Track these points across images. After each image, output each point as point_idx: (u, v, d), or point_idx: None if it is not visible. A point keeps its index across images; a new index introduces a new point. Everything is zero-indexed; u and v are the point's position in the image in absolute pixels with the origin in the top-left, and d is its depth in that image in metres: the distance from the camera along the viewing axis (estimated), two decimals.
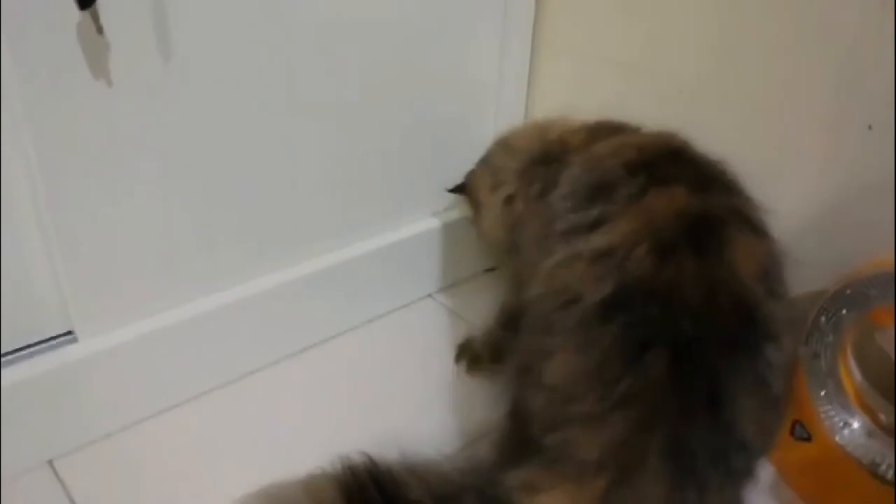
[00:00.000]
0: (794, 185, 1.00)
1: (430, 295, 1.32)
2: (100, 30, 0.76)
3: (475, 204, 1.14)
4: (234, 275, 1.07)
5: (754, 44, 1.02)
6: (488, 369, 1.13)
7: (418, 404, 1.07)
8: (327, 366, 1.14)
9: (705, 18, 1.07)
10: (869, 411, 0.89)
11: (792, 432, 0.92)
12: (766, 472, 0.93)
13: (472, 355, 1.14)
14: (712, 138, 0.84)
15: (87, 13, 0.74)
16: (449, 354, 1.16)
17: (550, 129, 1.04)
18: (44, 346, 0.94)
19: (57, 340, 0.95)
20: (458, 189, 1.19)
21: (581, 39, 1.24)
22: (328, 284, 1.16)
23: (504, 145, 1.11)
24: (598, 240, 0.75)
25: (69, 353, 0.94)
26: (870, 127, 0.93)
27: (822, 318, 0.88)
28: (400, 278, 1.27)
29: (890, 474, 0.84)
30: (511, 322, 1.03)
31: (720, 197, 0.78)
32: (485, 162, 1.13)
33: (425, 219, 1.28)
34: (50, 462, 0.94)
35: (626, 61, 1.18)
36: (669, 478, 0.64)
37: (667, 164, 0.82)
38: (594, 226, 0.77)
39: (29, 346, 0.93)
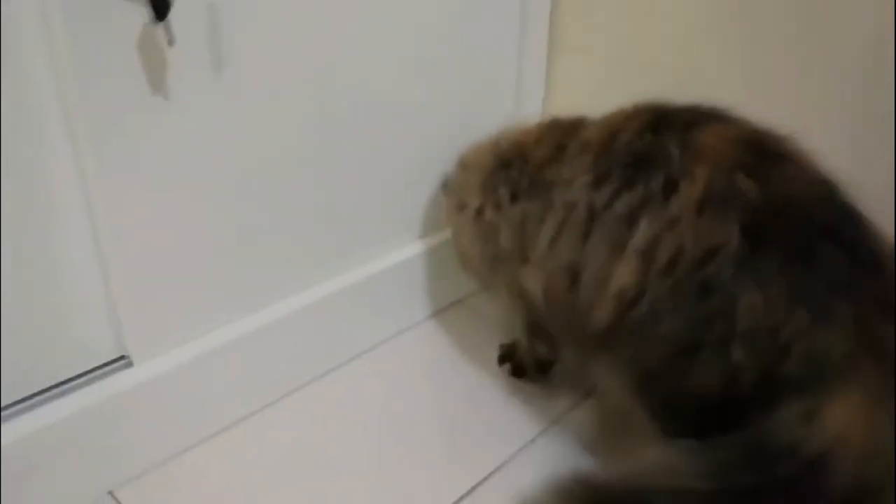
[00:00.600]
0: None
1: (459, 300, 1.32)
2: (171, 41, 0.75)
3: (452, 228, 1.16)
4: (282, 289, 1.06)
5: (771, 47, 1.05)
6: (532, 381, 1.13)
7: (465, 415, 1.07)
8: (372, 378, 1.14)
9: (720, 17, 1.09)
10: None
11: None
12: None
13: (516, 363, 1.14)
14: None
15: (158, 25, 0.73)
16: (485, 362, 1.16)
17: (501, 139, 1.07)
18: (97, 372, 0.91)
19: (111, 366, 0.92)
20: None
21: (597, 38, 1.26)
22: (367, 296, 1.15)
23: (461, 166, 1.13)
24: (687, 196, 0.78)
25: (125, 378, 0.91)
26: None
27: None
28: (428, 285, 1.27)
29: None
30: (533, 330, 1.07)
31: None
32: (446, 187, 1.16)
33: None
34: (111, 493, 0.91)
35: (641, 59, 1.20)
36: None
37: (675, 114, 0.85)
38: (669, 188, 0.79)
39: (82, 375, 0.90)
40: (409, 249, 1.21)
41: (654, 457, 0.77)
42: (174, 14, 0.75)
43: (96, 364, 0.91)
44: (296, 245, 1.04)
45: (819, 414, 0.67)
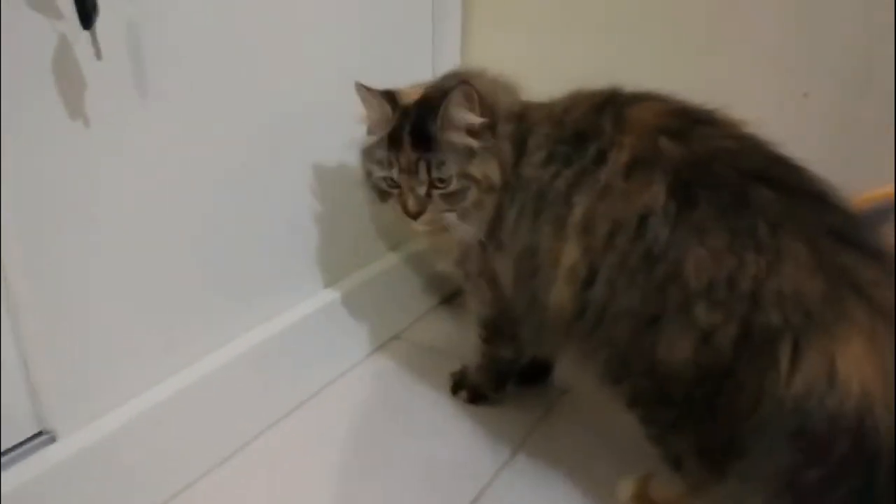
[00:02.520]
0: None
1: (396, 336, 1.26)
2: (98, 54, 0.67)
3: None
4: (210, 342, 0.97)
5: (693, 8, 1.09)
6: (493, 398, 1.09)
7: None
8: (320, 424, 1.05)
9: None
10: None
11: None
12: None
13: (471, 386, 1.10)
14: None
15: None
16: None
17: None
18: (17, 451, 0.78)
19: (31, 443, 0.79)
20: None
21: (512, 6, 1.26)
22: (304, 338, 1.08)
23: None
24: (615, 162, 0.80)
25: (50, 455, 0.78)
26: (805, 94, 1.03)
27: None
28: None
29: None
30: (498, 331, 1.02)
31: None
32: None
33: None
34: None
35: (556, 25, 1.22)
36: None
37: (621, 95, 0.86)
38: (599, 160, 0.81)
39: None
40: (340, 288, 1.15)
41: None
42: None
43: (14, 442, 0.78)
44: (222, 293, 0.97)
45: (836, 369, 0.67)
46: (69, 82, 0.72)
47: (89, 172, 0.77)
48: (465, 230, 0.92)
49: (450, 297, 1.38)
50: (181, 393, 0.91)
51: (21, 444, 0.79)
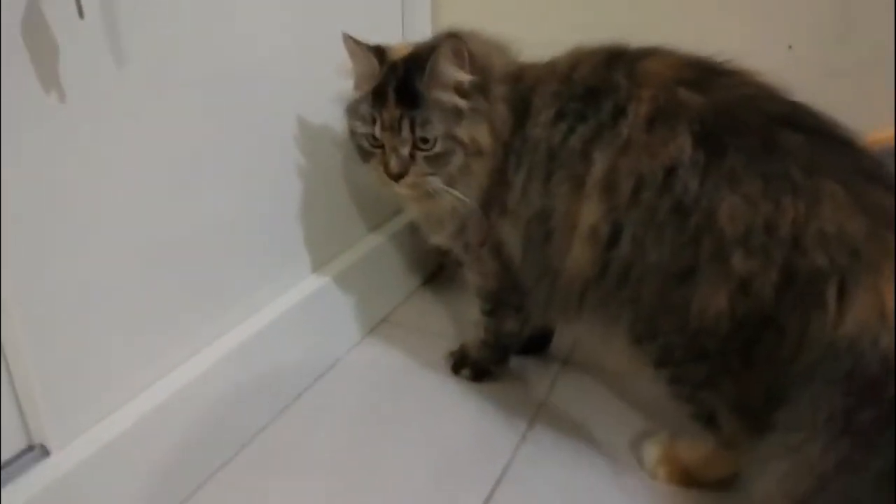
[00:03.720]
0: None
1: (385, 319, 1.21)
2: (81, 12, 0.60)
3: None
4: (199, 339, 0.90)
5: None
6: (496, 373, 1.06)
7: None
8: (321, 416, 1.00)
9: None
10: None
11: None
12: None
13: (473, 363, 1.06)
14: None
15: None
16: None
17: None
18: (8, 469, 0.70)
19: (22, 459, 0.71)
20: None
21: None
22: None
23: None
24: (635, 116, 0.77)
25: (44, 471, 0.70)
26: (790, 47, 1.03)
27: None
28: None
29: None
30: (502, 303, 0.99)
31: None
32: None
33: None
34: None
35: None
36: None
37: (628, 51, 0.84)
38: (617, 114, 0.78)
39: None
40: (326, 273, 1.09)
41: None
42: None
43: (6, 458, 0.70)
44: (210, 285, 0.90)
45: (885, 307, 0.66)
46: (41, 48, 0.64)
47: (68, 154, 0.69)
48: (454, 197, 0.88)
49: (432, 277, 1.34)
50: (175, 395, 0.83)
51: (13, 459, 0.70)
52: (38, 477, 0.70)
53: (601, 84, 0.81)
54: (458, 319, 1.21)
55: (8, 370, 0.69)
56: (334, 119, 1.03)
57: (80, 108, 0.68)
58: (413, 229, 1.25)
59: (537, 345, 1.11)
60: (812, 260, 0.68)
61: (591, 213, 0.80)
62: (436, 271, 1.35)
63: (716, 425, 0.81)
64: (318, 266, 1.09)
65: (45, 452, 0.72)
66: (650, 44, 0.83)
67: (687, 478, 0.86)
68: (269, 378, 0.97)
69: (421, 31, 1.17)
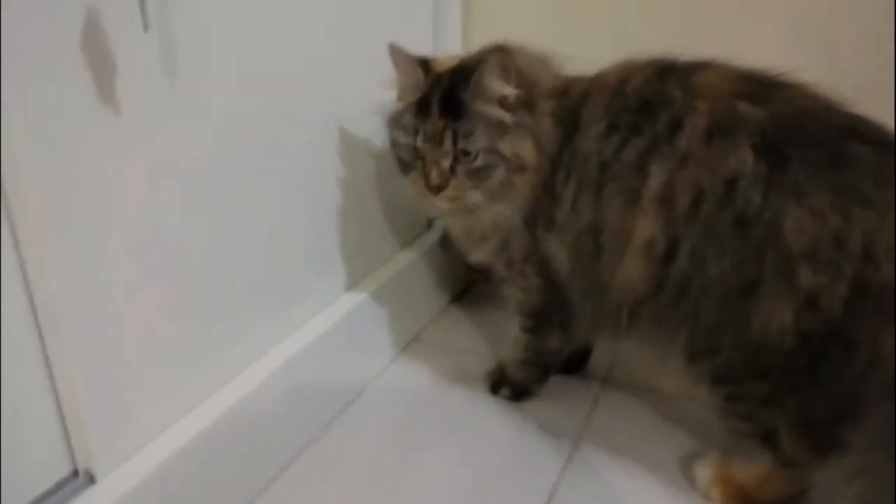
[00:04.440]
0: None
1: (415, 338, 1.19)
2: (146, 25, 0.58)
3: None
4: (245, 357, 0.88)
5: None
6: (536, 392, 1.03)
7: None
8: (361, 437, 0.97)
9: None
10: None
11: None
12: None
13: (512, 382, 1.04)
14: None
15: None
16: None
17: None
18: (52, 499, 0.67)
19: (67, 487, 0.68)
20: None
21: None
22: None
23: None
24: (693, 129, 0.76)
25: (90, 499, 0.68)
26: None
27: None
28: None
29: None
30: (546, 320, 0.96)
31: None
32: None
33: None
34: None
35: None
36: None
37: (679, 64, 0.82)
38: (674, 127, 0.77)
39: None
40: (361, 291, 1.07)
41: None
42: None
43: (47, 486, 0.67)
44: (252, 303, 0.88)
45: None
46: (99, 62, 0.62)
47: (121, 169, 0.67)
48: (496, 212, 0.86)
49: (461, 295, 1.32)
50: (220, 418, 0.81)
51: (57, 487, 0.68)
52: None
53: (655, 97, 0.80)
54: (490, 338, 1.19)
55: (54, 388, 0.66)
56: (370, 133, 1.02)
57: (133, 122, 0.67)
58: (444, 245, 1.24)
59: (575, 364, 1.09)
60: (886, 273, 0.67)
61: (646, 226, 0.78)
62: (464, 289, 1.33)
63: (775, 444, 0.79)
64: (352, 284, 1.07)
65: (90, 479, 0.69)
66: (698, 57, 0.82)
67: (742, 499, 0.83)
68: (309, 397, 0.95)
69: (452, 48, 1.16)
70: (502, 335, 1.14)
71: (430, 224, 1.27)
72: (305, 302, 0.97)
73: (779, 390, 0.76)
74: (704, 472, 0.86)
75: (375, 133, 1.02)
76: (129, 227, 0.69)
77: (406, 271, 1.16)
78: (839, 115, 0.75)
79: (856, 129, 0.73)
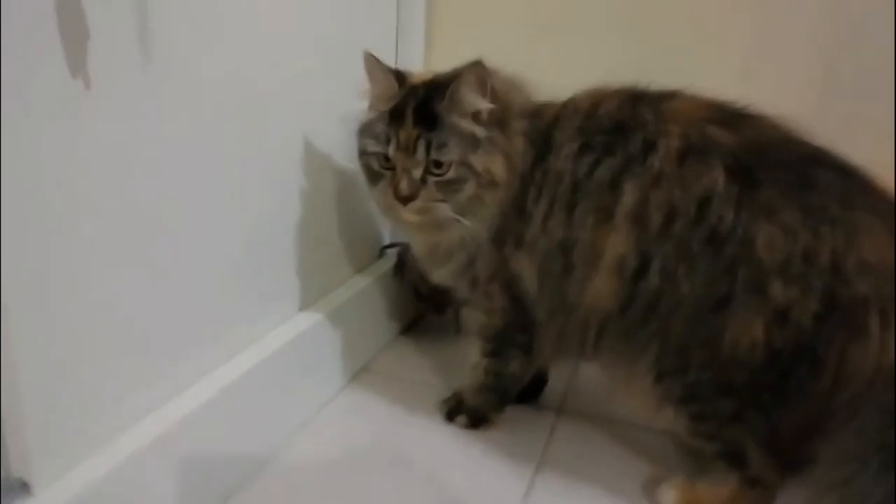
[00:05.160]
0: None
1: (365, 367, 1.15)
2: None
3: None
4: (195, 369, 0.82)
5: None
6: (493, 419, 1.01)
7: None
8: (312, 464, 0.91)
9: None
10: None
11: None
12: None
13: (470, 409, 1.01)
14: None
15: None
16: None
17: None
18: None
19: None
20: None
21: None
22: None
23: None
24: (666, 150, 0.78)
25: None
26: None
27: None
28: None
29: None
30: (508, 343, 0.95)
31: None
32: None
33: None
34: None
35: (519, 19, 1.20)
36: None
37: (651, 92, 0.85)
38: (647, 148, 0.79)
39: None
40: (312, 315, 1.02)
41: None
42: None
43: None
44: (208, 313, 0.83)
45: None
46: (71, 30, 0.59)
47: (86, 153, 0.63)
48: (464, 227, 0.85)
49: (409, 327, 1.29)
50: (164, 433, 0.74)
51: None
52: None
53: (628, 119, 0.82)
54: (441, 370, 1.16)
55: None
56: (332, 148, 1.00)
57: (103, 99, 0.63)
58: (398, 273, 1.22)
59: (531, 393, 1.07)
60: (855, 288, 0.69)
61: (618, 244, 0.79)
62: (413, 321, 1.30)
63: (742, 463, 0.79)
64: (305, 305, 1.02)
65: (26, 490, 0.62)
66: (670, 87, 0.85)
67: None
68: (258, 417, 0.89)
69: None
70: (454, 367, 1.14)
71: (381, 253, 1.25)
72: (257, 320, 0.92)
73: (747, 407, 0.76)
74: (670, 495, 0.85)
75: (337, 147, 1.01)
76: (91, 211, 0.64)
77: (357, 298, 1.12)
78: (805, 144, 0.78)
79: (821, 157, 0.77)
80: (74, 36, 0.59)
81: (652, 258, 0.78)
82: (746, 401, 0.76)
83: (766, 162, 0.76)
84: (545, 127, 0.87)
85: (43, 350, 0.61)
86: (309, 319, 1.00)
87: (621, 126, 0.82)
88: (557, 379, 1.09)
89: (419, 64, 1.21)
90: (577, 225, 0.82)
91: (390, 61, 1.15)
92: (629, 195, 0.79)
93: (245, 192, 0.86)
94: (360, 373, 1.13)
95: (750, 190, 0.74)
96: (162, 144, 0.71)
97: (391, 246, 1.25)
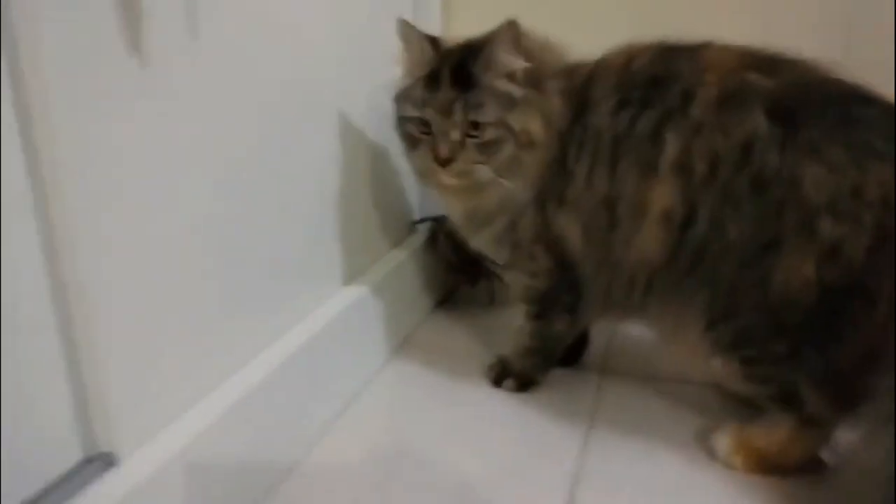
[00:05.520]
0: None
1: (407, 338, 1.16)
2: None
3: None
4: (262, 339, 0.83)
5: None
6: (541, 381, 1.02)
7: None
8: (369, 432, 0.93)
9: None
10: None
11: None
12: None
13: (517, 373, 1.02)
14: None
15: None
16: None
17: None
18: (67, 485, 0.60)
19: (85, 471, 0.62)
20: None
21: None
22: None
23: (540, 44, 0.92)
24: (705, 98, 0.78)
25: (111, 483, 0.61)
26: None
27: None
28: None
29: None
30: (553, 303, 0.96)
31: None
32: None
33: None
34: None
35: None
36: None
37: (683, 44, 0.85)
38: (686, 98, 0.79)
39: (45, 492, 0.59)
40: (358, 287, 1.03)
41: None
42: None
43: (62, 471, 0.60)
44: (270, 280, 0.84)
45: None
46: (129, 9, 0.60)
47: (148, 130, 0.64)
48: (506, 188, 0.86)
49: (443, 301, 1.31)
50: (240, 400, 0.76)
51: (72, 472, 0.61)
52: (106, 489, 0.61)
53: (664, 72, 0.83)
54: (481, 339, 1.17)
55: (76, 363, 0.60)
56: (364, 122, 1.01)
57: (158, 77, 0.64)
58: (431, 246, 1.23)
59: (573, 355, 1.09)
60: None
61: (664, 195, 0.80)
62: (447, 295, 1.31)
63: (798, 403, 0.80)
64: (348, 280, 1.03)
65: (110, 462, 0.63)
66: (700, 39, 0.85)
67: (766, 464, 0.83)
68: (324, 380, 0.91)
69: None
70: (493, 336, 1.16)
71: (412, 228, 1.26)
72: (307, 295, 0.94)
73: (800, 346, 0.77)
74: (724, 441, 0.86)
75: (367, 121, 1.01)
76: (158, 191, 0.65)
77: (396, 271, 1.14)
78: (843, 83, 0.79)
79: (860, 94, 0.77)
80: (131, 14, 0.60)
81: (698, 207, 0.79)
82: (799, 340, 0.77)
83: (806, 102, 0.76)
84: (580, 85, 0.88)
85: (124, 328, 0.63)
86: (353, 294, 1.01)
87: (657, 79, 0.83)
88: (597, 339, 1.11)
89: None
90: (621, 180, 0.83)
91: None
92: (671, 146, 0.80)
93: (290, 173, 0.87)
94: (402, 346, 1.14)
95: (793, 131, 0.75)
96: (211, 126, 0.72)
97: (422, 221, 1.26)
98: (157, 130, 0.65)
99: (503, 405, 0.99)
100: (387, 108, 0.92)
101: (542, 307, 0.97)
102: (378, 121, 1.02)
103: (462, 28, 1.09)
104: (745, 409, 0.90)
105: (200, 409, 0.73)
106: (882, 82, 0.78)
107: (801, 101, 0.77)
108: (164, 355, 0.68)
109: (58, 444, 0.60)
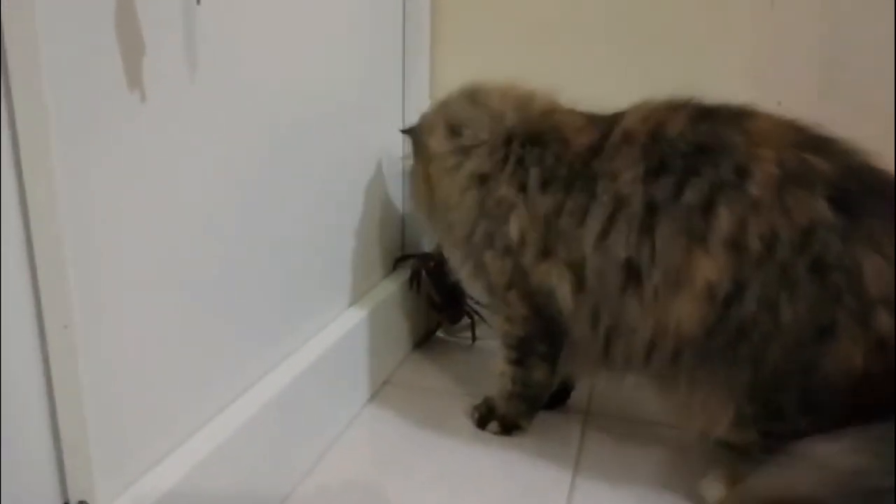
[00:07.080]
0: None
1: (386, 381, 1.14)
2: None
3: (423, 157, 0.99)
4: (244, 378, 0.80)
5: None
6: (525, 426, 1.01)
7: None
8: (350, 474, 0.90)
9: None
10: None
11: None
12: None
13: (501, 416, 1.01)
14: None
15: None
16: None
17: (533, 99, 0.95)
18: None
19: None
20: (409, 132, 1.05)
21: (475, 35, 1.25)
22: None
23: (471, 99, 0.97)
24: (763, 176, 0.77)
25: None
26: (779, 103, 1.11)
27: None
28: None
29: None
30: (531, 352, 0.95)
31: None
32: (445, 108, 0.99)
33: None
34: None
35: (521, 50, 1.22)
36: None
37: (714, 107, 0.85)
38: (741, 173, 0.78)
39: None
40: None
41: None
42: None
43: None
44: (258, 315, 0.82)
45: None
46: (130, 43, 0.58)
47: (142, 162, 0.62)
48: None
49: (422, 340, 1.29)
50: (223, 444, 0.73)
51: None
52: None
53: (710, 141, 0.81)
54: (464, 379, 1.16)
55: (53, 412, 0.57)
56: (360, 151, 1.01)
57: (158, 111, 0.62)
58: (414, 283, 1.21)
59: (557, 398, 1.07)
60: None
61: (711, 269, 0.78)
62: (426, 335, 1.30)
63: None
64: (343, 308, 1.03)
65: None
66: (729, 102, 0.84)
67: None
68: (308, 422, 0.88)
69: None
70: (475, 375, 1.14)
71: (394, 266, 1.25)
72: (302, 324, 0.92)
73: (826, 423, 0.76)
74: (713, 490, 0.85)
75: (363, 150, 1.01)
76: (149, 227, 0.63)
77: (381, 308, 1.12)
78: (884, 172, 0.79)
79: None
80: (133, 49, 0.58)
81: (748, 284, 0.77)
82: (829, 419, 0.76)
83: (863, 192, 0.77)
84: (586, 151, 0.88)
85: (103, 369, 0.60)
86: (350, 320, 1.01)
87: (702, 147, 0.81)
88: (581, 381, 1.10)
89: (426, 82, 1.23)
90: (659, 247, 0.81)
91: (398, 83, 1.18)
92: (725, 220, 0.78)
93: (293, 199, 0.87)
94: (382, 387, 1.12)
95: (856, 220, 0.75)
96: (212, 158, 0.71)
97: (405, 258, 1.25)
98: (158, 162, 0.63)
99: (488, 446, 0.98)
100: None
101: (520, 353, 0.97)
102: (371, 152, 1.02)
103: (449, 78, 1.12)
104: (731, 451, 0.89)
105: (179, 455, 0.70)
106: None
107: (858, 189, 0.76)
108: (142, 404, 0.65)
109: (34, 493, 0.57)
